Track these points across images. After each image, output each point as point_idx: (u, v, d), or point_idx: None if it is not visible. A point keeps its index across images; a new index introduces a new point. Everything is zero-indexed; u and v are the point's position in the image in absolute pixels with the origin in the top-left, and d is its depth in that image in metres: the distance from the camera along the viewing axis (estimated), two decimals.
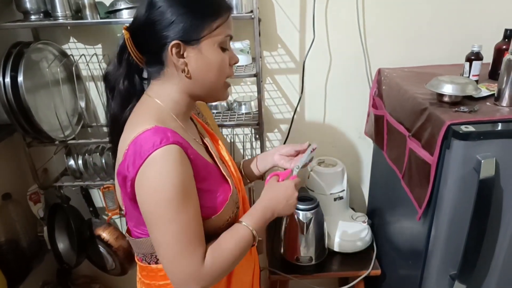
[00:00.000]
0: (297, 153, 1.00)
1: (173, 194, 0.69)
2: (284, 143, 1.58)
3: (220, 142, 0.95)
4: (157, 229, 0.71)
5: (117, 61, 0.79)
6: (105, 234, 1.58)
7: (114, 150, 0.81)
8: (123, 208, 0.81)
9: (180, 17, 0.72)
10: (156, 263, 0.83)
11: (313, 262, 1.38)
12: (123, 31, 0.75)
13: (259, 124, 1.37)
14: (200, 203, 0.75)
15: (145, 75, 0.83)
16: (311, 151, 0.96)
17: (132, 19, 0.78)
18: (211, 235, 0.77)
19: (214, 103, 1.44)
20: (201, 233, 0.74)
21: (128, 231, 0.86)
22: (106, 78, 0.81)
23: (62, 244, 1.61)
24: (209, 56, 0.75)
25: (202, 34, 0.73)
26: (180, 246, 0.71)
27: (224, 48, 0.77)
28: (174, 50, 0.72)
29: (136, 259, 0.90)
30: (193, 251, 0.72)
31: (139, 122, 0.73)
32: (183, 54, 0.74)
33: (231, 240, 0.78)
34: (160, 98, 0.78)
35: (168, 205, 0.69)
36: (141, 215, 0.74)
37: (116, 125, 0.80)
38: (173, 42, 0.72)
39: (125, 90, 0.79)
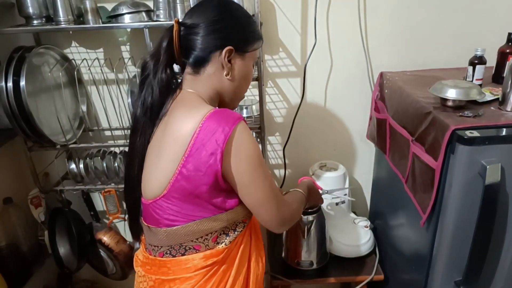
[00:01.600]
0: None
1: (261, 156, 0.83)
2: (285, 146, 1.57)
3: None
4: (260, 186, 0.82)
5: (160, 51, 0.83)
6: (106, 238, 1.57)
7: (144, 139, 0.86)
8: (164, 191, 0.81)
9: (241, 29, 0.86)
10: (183, 254, 0.86)
11: (314, 267, 1.37)
12: (174, 23, 0.82)
13: (260, 127, 1.36)
14: None
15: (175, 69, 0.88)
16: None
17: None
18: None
19: None
20: None
21: (153, 223, 0.86)
22: (144, 66, 0.85)
23: (63, 248, 1.61)
24: (248, 67, 0.89)
25: (250, 49, 0.87)
26: (278, 196, 0.86)
27: (253, 66, 0.92)
28: (226, 54, 0.83)
29: (149, 257, 0.89)
30: (283, 197, 0.91)
31: (199, 105, 0.81)
32: (230, 60, 0.84)
33: (297, 198, 1.01)
34: (199, 92, 0.85)
35: (262, 166, 0.82)
36: (197, 196, 0.80)
37: (153, 114, 0.84)
38: (229, 47, 0.83)
39: (166, 79, 0.84)
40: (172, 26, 0.83)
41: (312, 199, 1.12)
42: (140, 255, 0.95)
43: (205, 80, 0.85)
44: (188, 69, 0.86)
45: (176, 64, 0.87)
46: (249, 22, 0.88)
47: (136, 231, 0.96)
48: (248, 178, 0.81)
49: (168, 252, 0.87)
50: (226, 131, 0.76)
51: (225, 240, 0.87)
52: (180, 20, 0.84)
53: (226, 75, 0.85)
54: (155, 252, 0.89)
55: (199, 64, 0.84)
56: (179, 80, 0.89)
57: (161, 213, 0.84)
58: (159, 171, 0.82)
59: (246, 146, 0.79)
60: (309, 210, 1.32)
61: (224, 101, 0.90)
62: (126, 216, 0.98)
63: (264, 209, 0.84)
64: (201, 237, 0.85)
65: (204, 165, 0.77)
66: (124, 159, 1.44)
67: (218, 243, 0.87)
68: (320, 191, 1.25)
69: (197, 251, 0.86)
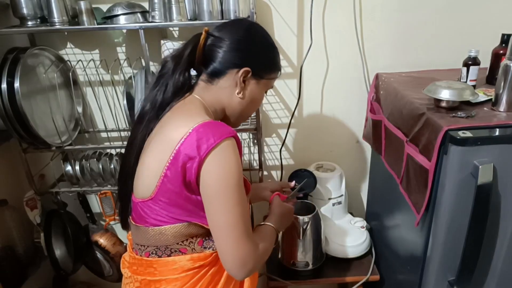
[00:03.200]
0: (282, 188, 1.21)
1: (239, 180, 0.79)
2: (281, 147, 1.58)
3: None
4: (225, 210, 0.78)
5: (183, 53, 0.86)
6: (102, 240, 1.57)
7: (145, 132, 0.87)
8: (152, 195, 0.81)
9: (262, 56, 0.90)
10: (169, 255, 0.86)
11: (310, 267, 1.37)
12: (204, 32, 0.86)
13: (257, 129, 1.36)
14: None
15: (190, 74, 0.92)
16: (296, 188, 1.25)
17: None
18: None
19: None
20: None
21: (141, 221, 0.86)
22: (164, 65, 0.88)
23: (59, 251, 1.60)
24: (259, 93, 0.92)
25: (266, 76, 0.90)
26: (244, 227, 0.79)
27: (265, 92, 0.95)
28: (243, 74, 0.86)
29: (136, 257, 0.89)
30: (251, 233, 0.82)
31: (196, 114, 0.82)
32: (245, 80, 0.87)
33: (268, 236, 0.93)
34: (205, 101, 0.88)
35: (236, 189, 0.78)
36: (185, 200, 0.80)
37: (160, 111, 0.87)
38: (247, 68, 0.86)
39: (182, 81, 0.87)
40: (200, 33, 0.87)
41: (284, 225, 1.04)
42: (126, 256, 0.96)
43: (216, 92, 0.88)
44: (203, 76, 0.89)
45: (194, 69, 0.90)
46: (271, 51, 0.92)
47: (126, 220, 0.95)
48: (217, 197, 0.77)
49: (154, 252, 0.87)
50: (210, 142, 0.76)
51: (212, 246, 0.87)
52: (209, 31, 0.88)
53: (237, 93, 0.87)
54: (141, 252, 0.88)
55: (215, 75, 0.87)
56: (192, 83, 0.91)
57: (149, 213, 0.84)
58: (149, 170, 0.82)
59: (226, 163, 0.77)
60: (305, 212, 1.33)
61: (228, 119, 0.92)
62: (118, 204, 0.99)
63: (223, 237, 0.79)
64: (187, 239, 0.85)
65: (183, 167, 0.77)
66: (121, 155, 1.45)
67: (205, 248, 0.87)
68: (289, 197, 1.19)
69: (183, 253, 0.86)
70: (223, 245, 0.79)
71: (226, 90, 0.87)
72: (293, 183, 1.25)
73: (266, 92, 0.96)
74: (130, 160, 0.89)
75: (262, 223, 0.96)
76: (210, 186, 0.77)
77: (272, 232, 0.95)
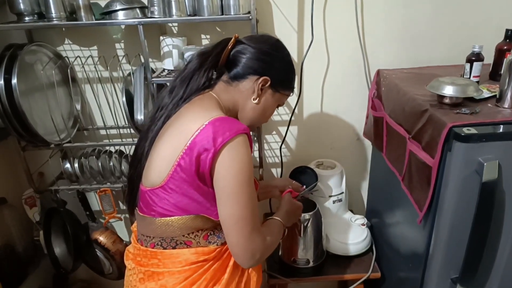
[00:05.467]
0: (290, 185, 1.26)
1: (251, 175, 0.82)
2: (281, 144, 1.56)
3: None
4: (238, 204, 0.80)
5: (210, 53, 0.92)
6: (102, 238, 1.56)
7: (163, 121, 0.90)
8: (162, 182, 0.83)
9: (282, 72, 0.96)
10: (174, 248, 0.87)
11: (311, 265, 1.37)
12: (234, 37, 0.92)
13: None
14: None
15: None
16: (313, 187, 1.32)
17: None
18: None
19: None
20: None
21: (148, 210, 0.87)
22: (190, 61, 0.94)
23: (58, 249, 1.60)
24: (272, 104, 0.97)
25: (281, 91, 0.97)
26: (255, 221, 0.83)
27: (276, 106, 1.00)
28: (262, 81, 0.92)
29: (141, 248, 0.90)
30: (260, 227, 0.86)
31: (213, 109, 0.86)
32: (262, 88, 0.93)
33: (276, 229, 0.97)
34: (221, 100, 0.92)
35: (249, 183, 0.81)
36: (196, 190, 0.82)
37: (180, 101, 0.91)
38: (267, 77, 0.92)
39: (204, 78, 0.92)
40: (230, 38, 0.93)
41: (291, 221, 1.11)
42: (131, 248, 0.97)
43: (233, 94, 0.93)
44: (224, 77, 0.95)
45: (216, 70, 0.96)
46: (291, 70, 0.99)
47: (132, 204, 0.97)
48: (230, 190, 0.80)
49: (159, 243, 0.88)
50: (226, 136, 0.79)
51: (217, 241, 0.89)
52: (239, 38, 0.94)
53: (253, 99, 0.93)
54: (147, 243, 0.90)
55: (236, 78, 0.93)
56: (213, 82, 0.96)
57: (157, 201, 0.85)
58: (161, 159, 0.84)
59: (240, 158, 0.80)
60: (306, 209, 1.32)
61: None
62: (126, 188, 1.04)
63: (235, 230, 0.82)
64: (192, 232, 0.87)
65: (197, 158, 0.80)
66: (124, 158, 1.46)
67: (209, 242, 0.88)
68: (300, 195, 1.24)
69: (188, 246, 0.87)
70: (235, 237, 0.82)
71: (243, 93, 0.93)
72: (303, 187, 1.30)
73: (278, 107, 1.01)
74: (145, 142, 0.92)
75: (271, 217, 1.01)
76: (224, 178, 0.80)
77: (280, 227, 0.99)
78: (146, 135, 0.92)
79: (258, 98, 0.93)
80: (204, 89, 0.93)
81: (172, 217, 0.85)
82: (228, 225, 0.82)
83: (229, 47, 0.92)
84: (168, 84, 1.18)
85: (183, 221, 0.85)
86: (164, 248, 0.88)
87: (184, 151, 0.80)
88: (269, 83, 0.92)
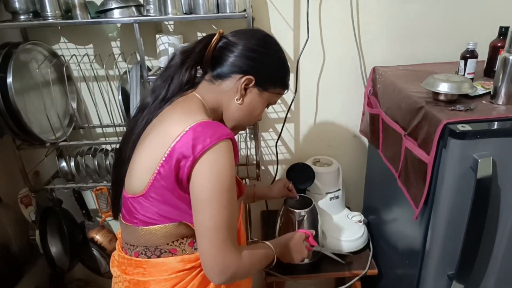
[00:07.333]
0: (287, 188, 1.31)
1: (230, 183, 0.77)
2: (277, 141, 1.57)
3: None
4: (211, 213, 0.76)
5: (193, 50, 0.87)
6: (98, 237, 1.56)
7: (145, 123, 0.86)
8: (143, 191, 0.80)
9: (270, 68, 0.89)
10: (159, 256, 0.84)
11: (307, 262, 1.37)
12: (218, 33, 0.87)
13: (253, 124, 1.35)
14: None
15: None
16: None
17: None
18: None
19: None
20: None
21: (130, 218, 0.84)
22: (173, 58, 0.89)
23: (54, 248, 1.59)
24: (259, 104, 0.90)
25: (270, 89, 0.90)
26: (229, 233, 0.77)
27: (266, 106, 0.94)
28: (245, 81, 0.85)
29: (125, 257, 0.88)
30: (235, 240, 0.80)
31: (196, 112, 0.81)
32: (246, 88, 0.87)
33: (261, 253, 0.89)
34: (205, 101, 0.87)
35: (225, 192, 0.76)
36: (178, 198, 0.79)
37: (163, 102, 0.87)
38: (250, 76, 0.85)
39: (188, 76, 0.87)
40: (214, 34, 0.87)
41: (287, 258, 1.00)
42: (116, 254, 0.94)
43: (217, 93, 0.88)
44: (207, 76, 0.89)
45: (201, 68, 0.91)
46: (281, 66, 0.92)
47: (117, 208, 0.94)
48: (205, 196, 0.76)
49: (143, 252, 0.85)
50: (206, 143, 0.75)
51: None
52: (223, 34, 0.88)
53: (236, 99, 0.87)
54: (131, 252, 0.87)
55: (219, 77, 0.87)
56: (197, 81, 0.91)
57: (139, 209, 0.82)
58: (141, 167, 0.81)
59: (219, 165, 0.76)
60: (302, 206, 1.32)
61: (224, 125, 0.90)
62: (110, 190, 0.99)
63: (205, 237, 0.77)
64: (177, 240, 0.84)
65: (176, 165, 0.76)
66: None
67: (195, 249, 0.86)
68: (314, 247, 1.14)
69: (173, 254, 0.85)
70: (205, 247, 0.77)
71: (227, 93, 0.87)
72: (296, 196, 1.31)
73: (267, 107, 0.95)
74: (127, 146, 0.89)
75: (263, 241, 0.94)
76: (199, 186, 0.76)
77: (268, 254, 0.92)
78: (129, 137, 0.88)
79: (241, 99, 0.87)
80: (188, 89, 0.88)
81: (155, 226, 0.82)
82: (199, 234, 0.78)
83: (213, 44, 0.86)
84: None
85: (167, 229, 0.82)
86: (149, 257, 0.85)
87: (164, 158, 0.76)
88: (253, 82, 0.86)
